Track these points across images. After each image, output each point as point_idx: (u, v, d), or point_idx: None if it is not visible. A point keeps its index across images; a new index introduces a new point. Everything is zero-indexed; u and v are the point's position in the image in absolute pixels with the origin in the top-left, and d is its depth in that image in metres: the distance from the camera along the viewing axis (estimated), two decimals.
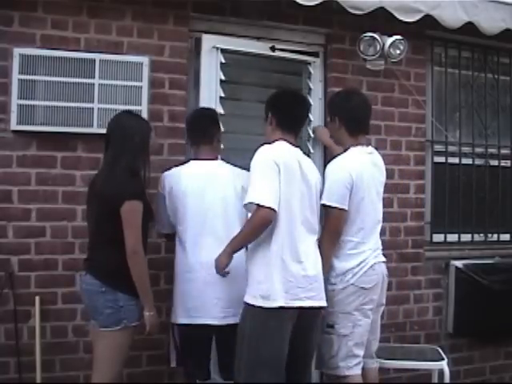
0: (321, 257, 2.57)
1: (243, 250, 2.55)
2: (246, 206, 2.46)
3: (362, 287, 2.60)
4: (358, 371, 2.64)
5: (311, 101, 3.40)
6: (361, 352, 2.64)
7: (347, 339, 2.59)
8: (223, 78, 3.15)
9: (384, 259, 2.76)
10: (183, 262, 2.68)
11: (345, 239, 2.64)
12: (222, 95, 3.16)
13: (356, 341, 2.61)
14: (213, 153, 2.81)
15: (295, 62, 3.44)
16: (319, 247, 2.58)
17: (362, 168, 2.64)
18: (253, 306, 2.42)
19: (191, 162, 2.82)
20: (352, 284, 2.60)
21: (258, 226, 2.40)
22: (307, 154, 3.26)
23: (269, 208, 2.35)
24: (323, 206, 2.61)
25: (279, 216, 2.41)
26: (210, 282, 2.61)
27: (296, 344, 2.47)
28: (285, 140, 2.56)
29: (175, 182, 2.72)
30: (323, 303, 2.52)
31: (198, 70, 3.21)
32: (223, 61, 3.15)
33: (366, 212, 2.65)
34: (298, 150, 2.60)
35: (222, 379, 2.82)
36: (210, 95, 3.14)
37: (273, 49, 3.30)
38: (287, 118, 2.61)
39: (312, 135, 3.41)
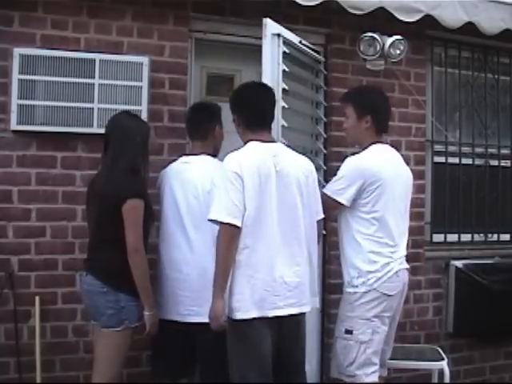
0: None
1: (212, 250, 2.42)
2: (211, 221, 2.34)
3: (385, 293, 2.51)
4: (375, 379, 2.56)
5: (321, 99, 3.38)
6: (377, 360, 2.56)
7: (365, 346, 2.50)
8: (286, 69, 2.91)
9: (407, 266, 2.68)
10: (159, 259, 2.68)
11: (364, 237, 2.55)
12: (286, 88, 2.90)
13: (374, 348, 2.52)
14: (205, 149, 2.73)
15: (314, 59, 3.41)
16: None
17: (381, 164, 2.57)
18: (230, 317, 2.35)
19: (182, 157, 2.79)
20: (375, 289, 2.50)
21: (223, 243, 2.29)
22: (315, 152, 3.22)
23: (228, 224, 2.26)
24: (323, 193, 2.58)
25: (246, 226, 2.30)
26: (178, 280, 2.60)
27: (282, 351, 2.41)
28: (257, 140, 2.43)
29: (161, 179, 2.76)
30: (305, 309, 2.45)
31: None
32: (287, 50, 2.92)
33: (387, 209, 2.55)
34: (274, 147, 2.46)
35: None
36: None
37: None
38: (254, 115, 2.47)
39: (324, 135, 3.38)
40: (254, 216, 2.31)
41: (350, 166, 2.60)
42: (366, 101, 2.69)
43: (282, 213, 2.37)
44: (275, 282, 2.33)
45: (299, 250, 2.42)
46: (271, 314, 2.33)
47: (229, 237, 2.29)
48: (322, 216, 2.55)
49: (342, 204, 2.56)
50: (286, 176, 2.38)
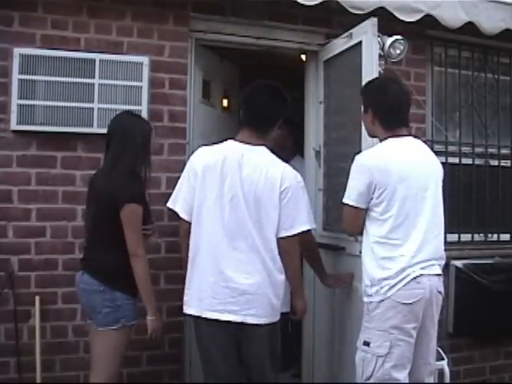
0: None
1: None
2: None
3: (401, 302, 2.25)
4: None
5: None
6: (401, 375, 2.28)
7: (384, 360, 2.26)
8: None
9: (438, 271, 2.36)
10: None
11: (376, 241, 2.31)
12: None
13: (394, 362, 2.26)
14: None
15: None
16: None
17: (389, 161, 2.31)
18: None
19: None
20: (389, 297, 2.26)
21: (180, 234, 2.50)
22: None
23: (180, 217, 2.42)
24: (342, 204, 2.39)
25: (196, 222, 2.34)
26: None
27: (243, 360, 2.38)
28: (236, 139, 2.40)
29: None
30: (251, 320, 2.29)
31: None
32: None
33: (404, 207, 2.29)
34: (248, 148, 2.36)
35: None
36: None
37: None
38: (248, 113, 2.43)
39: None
40: (199, 213, 2.34)
41: (354, 163, 2.38)
42: (366, 93, 2.52)
43: (231, 217, 2.29)
44: (216, 284, 2.29)
45: (251, 258, 2.30)
46: (207, 315, 2.30)
47: (181, 229, 2.46)
48: (289, 234, 2.34)
49: (355, 207, 2.33)
50: (246, 180, 2.30)
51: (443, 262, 2.42)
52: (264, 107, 2.41)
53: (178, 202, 2.42)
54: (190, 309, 2.37)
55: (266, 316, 2.34)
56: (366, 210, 2.36)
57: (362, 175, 2.32)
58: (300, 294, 2.56)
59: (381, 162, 2.32)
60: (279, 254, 2.35)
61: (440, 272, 2.38)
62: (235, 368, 2.37)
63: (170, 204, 2.46)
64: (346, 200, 2.37)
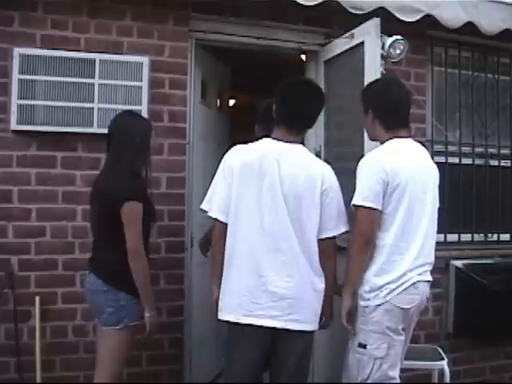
0: (346, 266, 2.28)
1: None
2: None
3: (399, 307, 2.25)
4: None
5: None
6: (396, 373, 2.30)
7: (381, 362, 2.26)
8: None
9: (429, 278, 2.39)
10: None
11: (379, 244, 2.27)
12: None
13: (391, 363, 2.28)
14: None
15: None
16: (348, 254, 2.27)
17: (398, 161, 2.28)
18: None
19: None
20: (388, 301, 2.24)
21: (213, 236, 2.33)
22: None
23: (216, 219, 2.27)
24: (353, 206, 2.28)
25: (233, 223, 2.22)
26: None
27: (272, 366, 2.28)
28: (271, 137, 2.30)
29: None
30: (294, 326, 2.19)
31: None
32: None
33: (408, 210, 2.27)
34: (286, 147, 2.26)
35: None
36: None
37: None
38: (285, 111, 2.30)
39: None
40: (236, 213, 2.21)
41: (364, 163, 2.31)
42: (366, 94, 2.47)
43: (271, 217, 2.18)
44: (256, 288, 2.17)
45: (293, 261, 2.19)
46: (245, 320, 2.17)
47: (217, 231, 2.29)
48: (332, 235, 2.29)
49: (372, 208, 2.22)
50: (286, 181, 2.20)
51: (431, 268, 2.44)
52: (303, 106, 2.29)
53: (213, 204, 2.27)
54: (227, 315, 2.22)
55: (308, 322, 2.24)
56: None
57: (376, 173, 2.24)
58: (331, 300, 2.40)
59: (392, 161, 2.27)
60: (319, 256, 2.26)
61: (431, 278, 2.41)
62: (258, 377, 2.31)
63: (204, 206, 2.31)
64: (360, 202, 2.24)
